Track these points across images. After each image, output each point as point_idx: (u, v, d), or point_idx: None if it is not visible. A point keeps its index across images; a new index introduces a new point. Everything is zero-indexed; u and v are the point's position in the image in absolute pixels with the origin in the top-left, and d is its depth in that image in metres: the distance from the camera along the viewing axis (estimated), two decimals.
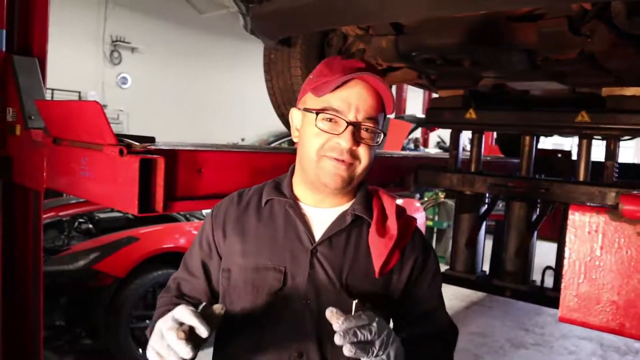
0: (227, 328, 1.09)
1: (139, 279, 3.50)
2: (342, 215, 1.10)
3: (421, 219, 6.45)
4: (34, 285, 2.51)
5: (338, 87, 1.03)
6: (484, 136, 2.69)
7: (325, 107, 1.04)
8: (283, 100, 2.36)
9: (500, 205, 2.68)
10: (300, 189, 1.13)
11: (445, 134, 8.95)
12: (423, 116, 8.23)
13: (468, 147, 2.87)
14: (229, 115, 9.24)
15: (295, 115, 1.14)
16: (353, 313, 0.93)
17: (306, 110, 1.08)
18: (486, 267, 2.70)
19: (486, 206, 2.61)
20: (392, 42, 2.02)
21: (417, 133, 9.56)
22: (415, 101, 10.10)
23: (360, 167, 1.06)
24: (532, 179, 2.38)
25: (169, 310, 0.95)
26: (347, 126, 1.02)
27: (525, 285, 2.46)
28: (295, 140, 1.13)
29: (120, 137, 1.63)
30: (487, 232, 2.72)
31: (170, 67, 9.67)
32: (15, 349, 2.47)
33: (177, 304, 0.95)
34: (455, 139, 2.69)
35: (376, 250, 1.07)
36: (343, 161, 1.04)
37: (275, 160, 2.06)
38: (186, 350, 0.88)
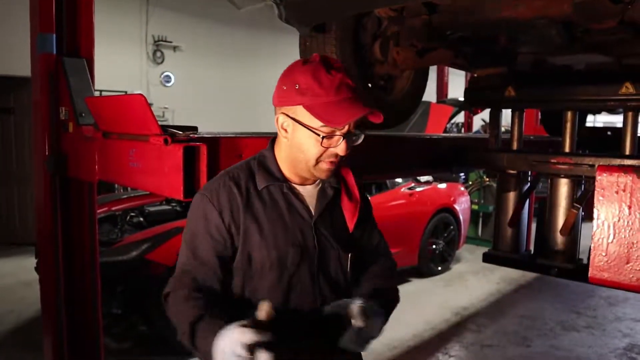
0: (251, 303, 1.26)
1: None
2: (323, 190, 1.33)
3: (465, 203, 6.38)
4: (92, 274, 2.65)
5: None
6: (524, 114, 2.64)
7: (325, 127, 1.20)
8: None
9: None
10: (287, 172, 1.32)
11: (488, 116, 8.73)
12: None
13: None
14: (271, 107, 9.26)
15: (282, 118, 1.26)
16: (348, 268, 1.33)
17: (307, 127, 1.21)
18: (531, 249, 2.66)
19: (529, 184, 2.57)
20: (425, 22, 2.02)
21: (461, 117, 9.40)
22: (457, 85, 9.91)
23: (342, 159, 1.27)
24: (575, 154, 2.33)
25: (202, 316, 1.15)
26: (342, 139, 1.22)
27: (572, 263, 2.41)
28: (283, 139, 1.29)
29: (164, 128, 1.71)
30: (533, 214, 2.67)
31: (212, 63, 9.83)
32: (78, 336, 2.62)
33: (204, 304, 1.19)
34: (495, 118, 2.65)
35: (348, 212, 1.34)
36: (336, 162, 1.25)
37: None
38: None
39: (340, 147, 1.22)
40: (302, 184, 1.33)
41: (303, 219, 1.30)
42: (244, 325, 1.03)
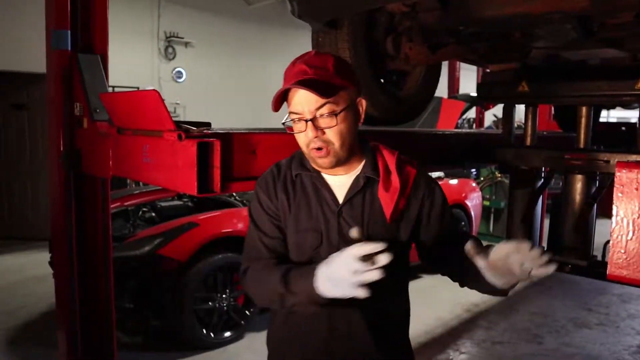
0: None
1: (200, 263, 3.65)
2: (356, 179, 1.34)
3: (477, 199, 6.36)
4: (105, 269, 2.67)
5: (286, 96, 1.27)
6: (538, 110, 2.62)
7: (291, 113, 1.28)
8: None
9: (560, 183, 2.61)
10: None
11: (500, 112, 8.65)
12: None
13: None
14: None
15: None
16: None
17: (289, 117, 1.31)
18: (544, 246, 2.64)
19: (542, 180, 2.55)
20: (438, 18, 2.01)
21: (473, 113, 9.35)
22: (469, 80, 9.86)
23: (337, 146, 1.27)
24: (589, 150, 2.31)
25: (289, 268, 1.26)
26: (306, 123, 1.25)
27: (586, 260, 2.39)
28: None
29: (178, 124, 1.71)
30: (546, 211, 2.66)
31: (223, 59, 9.87)
32: (91, 331, 2.64)
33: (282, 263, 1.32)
34: (508, 113, 2.64)
35: (384, 202, 1.32)
36: (320, 148, 1.26)
37: None
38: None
39: (307, 131, 1.26)
40: (334, 174, 1.36)
41: (328, 207, 1.34)
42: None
